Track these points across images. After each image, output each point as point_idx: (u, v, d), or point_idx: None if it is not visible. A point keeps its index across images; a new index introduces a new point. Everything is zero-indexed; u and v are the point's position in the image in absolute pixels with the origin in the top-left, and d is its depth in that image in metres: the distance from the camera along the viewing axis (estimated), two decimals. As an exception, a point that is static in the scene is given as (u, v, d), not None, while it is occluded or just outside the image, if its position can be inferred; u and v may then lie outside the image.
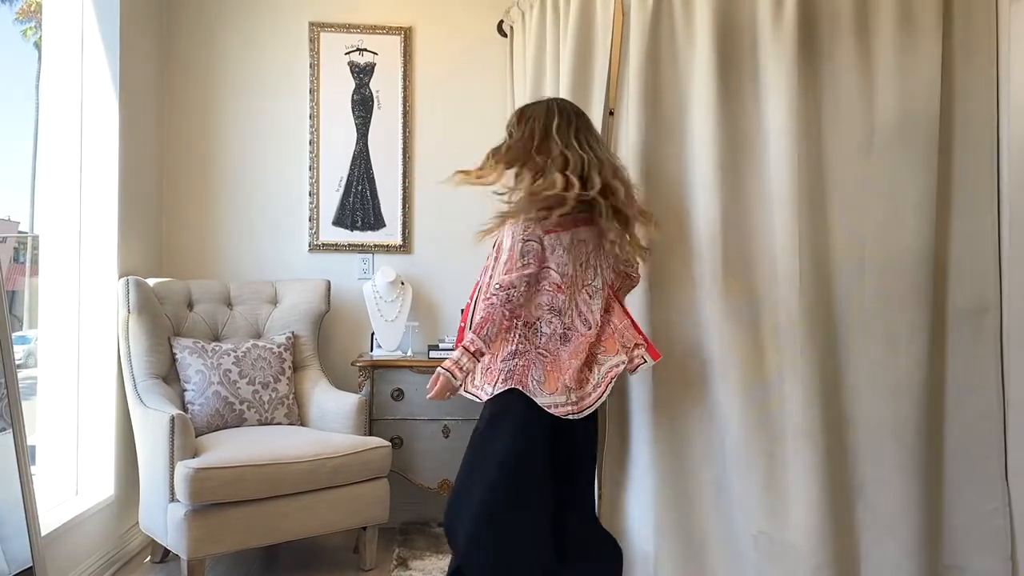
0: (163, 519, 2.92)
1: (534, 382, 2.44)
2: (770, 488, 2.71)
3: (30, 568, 2.37)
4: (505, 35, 3.83)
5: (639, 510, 2.84)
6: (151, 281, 3.42)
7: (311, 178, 3.99)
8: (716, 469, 2.81)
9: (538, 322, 2.51)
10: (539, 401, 2.42)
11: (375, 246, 4.03)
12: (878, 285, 2.77)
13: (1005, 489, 2.76)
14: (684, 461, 2.84)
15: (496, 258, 2.58)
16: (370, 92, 4.03)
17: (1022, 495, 2.73)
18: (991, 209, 2.83)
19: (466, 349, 2.45)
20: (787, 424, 2.72)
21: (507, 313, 2.45)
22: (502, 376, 2.45)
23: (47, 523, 2.74)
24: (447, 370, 2.46)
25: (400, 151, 4.03)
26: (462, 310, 3.87)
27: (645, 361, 2.55)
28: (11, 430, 2.38)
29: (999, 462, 2.77)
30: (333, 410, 3.43)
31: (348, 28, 4.01)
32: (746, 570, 2.73)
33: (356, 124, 4.02)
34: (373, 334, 3.82)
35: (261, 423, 3.38)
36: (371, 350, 3.83)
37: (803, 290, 2.71)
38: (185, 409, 3.25)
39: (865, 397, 2.76)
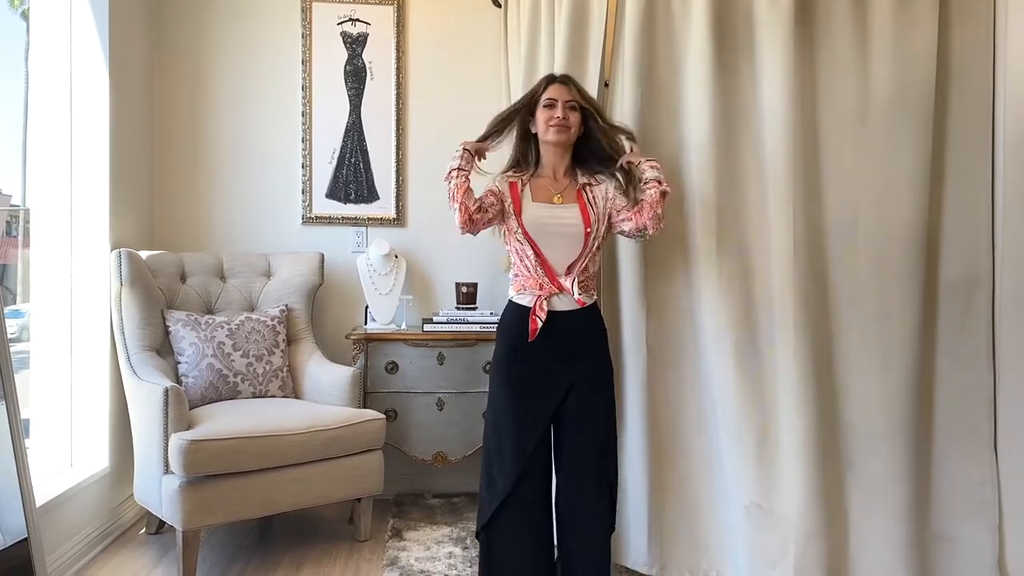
0: (158, 491, 2.94)
1: None
2: (762, 459, 2.73)
3: (25, 539, 2.38)
4: (499, 5, 3.79)
5: (633, 481, 2.86)
6: (143, 254, 3.41)
7: (304, 150, 3.97)
8: (709, 440, 2.83)
9: None
10: None
11: (369, 219, 4.02)
12: (871, 257, 2.77)
13: (994, 460, 2.78)
14: (677, 433, 2.86)
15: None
16: (363, 63, 3.99)
17: (1010, 466, 2.75)
18: (985, 182, 2.83)
19: (655, 169, 2.60)
20: (779, 395, 2.73)
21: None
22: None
23: (42, 495, 2.75)
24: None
25: (393, 123, 4.00)
26: (457, 283, 3.89)
27: None
28: (4, 403, 2.38)
29: (988, 434, 2.80)
30: (327, 383, 3.43)
31: (340, -2, 3.97)
32: (738, 540, 2.76)
33: (349, 96, 3.99)
34: (367, 307, 3.81)
35: (255, 396, 3.39)
36: (365, 323, 3.82)
37: (796, 262, 2.72)
38: (179, 382, 3.25)
39: (857, 368, 2.77)
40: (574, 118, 2.59)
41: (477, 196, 2.57)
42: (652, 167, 2.60)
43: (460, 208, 2.53)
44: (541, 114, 2.60)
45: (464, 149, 2.62)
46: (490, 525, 2.55)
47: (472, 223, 2.55)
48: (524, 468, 2.51)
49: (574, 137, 2.63)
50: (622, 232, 2.63)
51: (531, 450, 2.52)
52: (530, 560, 2.53)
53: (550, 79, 2.66)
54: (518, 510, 2.54)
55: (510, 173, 2.68)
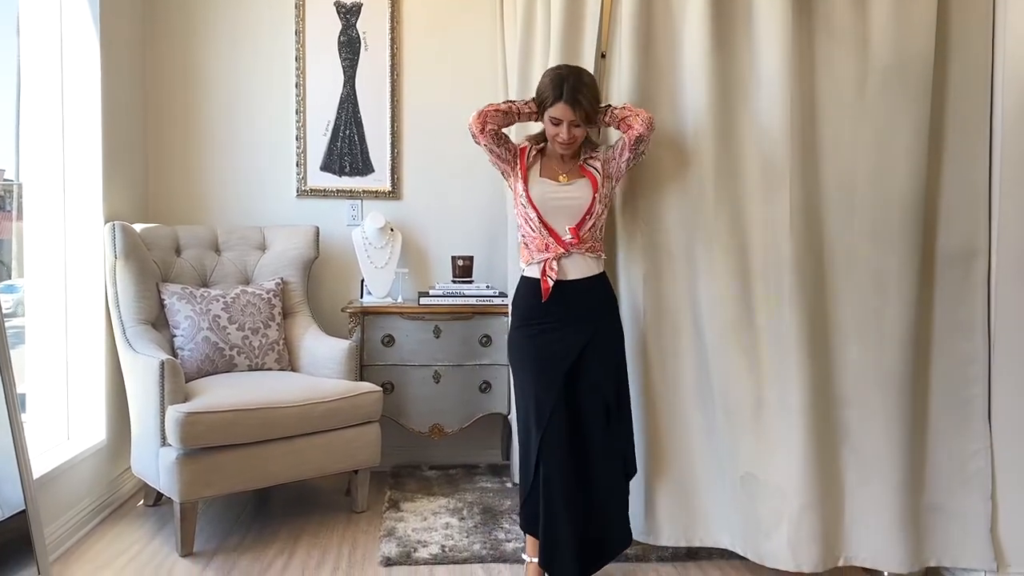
0: (155, 463, 2.95)
1: None
2: (757, 429, 2.74)
3: (23, 512, 2.39)
4: (494, -25, 3.75)
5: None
6: (138, 227, 3.39)
7: (298, 122, 3.94)
8: (705, 412, 2.84)
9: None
10: None
11: (364, 192, 4.00)
12: (868, 228, 2.76)
13: (988, 431, 2.79)
14: (674, 404, 2.87)
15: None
16: (357, 34, 3.95)
17: (1004, 437, 2.77)
18: (983, 153, 2.81)
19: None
20: (775, 366, 2.73)
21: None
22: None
23: (39, 467, 2.75)
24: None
25: (388, 94, 3.96)
26: (453, 256, 3.88)
27: None
28: (1, 377, 2.38)
29: (983, 404, 2.80)
30: (324, 356, 3.43)
31: (334, -33, 3.92)
32: (733, 510, 2.78)
33: (343, 67, 3.95)
34: (363, 281, 3.80)
35: (251, 369, 3.39)
36: (361, 297, 3.82)
37: (793, 233, 2.71)
38: (175, 354, 3.25)
39: (852, 339, 2.77)
40: (579, 133, 2.63)
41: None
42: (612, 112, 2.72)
43: (481, 115, 2.63)
44: (548, 126, 2.64)
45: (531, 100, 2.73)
46: (532, 491, 2.62)
47: (482, 132, 2.63)
48: (543, 432, 2.57)
49: (578, 144, 2.70)
50: (628, 160, 2.68)
51: (548, 413, 2.57)
52: (564, 513, 2.57)
53: (558, 94, 2.55)
54: (547, 476, 2.59)
55: (524, 139, 2.79)
